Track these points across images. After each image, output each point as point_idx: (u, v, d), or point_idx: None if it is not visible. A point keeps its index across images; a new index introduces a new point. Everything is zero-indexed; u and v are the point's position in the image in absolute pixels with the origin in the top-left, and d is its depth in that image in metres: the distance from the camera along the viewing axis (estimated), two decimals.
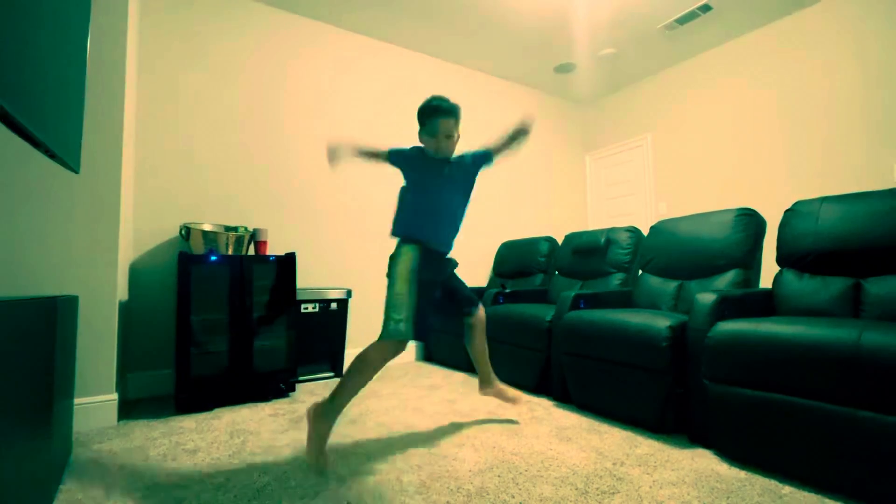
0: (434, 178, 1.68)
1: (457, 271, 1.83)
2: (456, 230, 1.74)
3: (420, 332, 1.56)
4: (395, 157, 1.76)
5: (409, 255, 1.60)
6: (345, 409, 2.15)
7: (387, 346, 1.53)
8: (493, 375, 1.98)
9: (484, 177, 4.17)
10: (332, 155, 1.71)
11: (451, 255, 1.79)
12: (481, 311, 1.90)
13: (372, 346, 1.54)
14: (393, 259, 1.64)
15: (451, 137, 1.66)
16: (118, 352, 2.01)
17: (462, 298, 1.84)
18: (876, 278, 1.66)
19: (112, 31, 2.03)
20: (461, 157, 1.76)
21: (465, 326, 1.90)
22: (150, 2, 2.67)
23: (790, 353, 1.33)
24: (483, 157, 1.79)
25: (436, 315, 1.73)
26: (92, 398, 1.90)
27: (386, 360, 1.55)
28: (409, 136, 3.61)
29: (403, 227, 1.67)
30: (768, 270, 2.34)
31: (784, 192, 3.23)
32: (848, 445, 1.21)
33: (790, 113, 3.24)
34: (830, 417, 1.24)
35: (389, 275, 1.61)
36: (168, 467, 1.51)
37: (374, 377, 1.60)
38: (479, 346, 1.92)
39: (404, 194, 1.73)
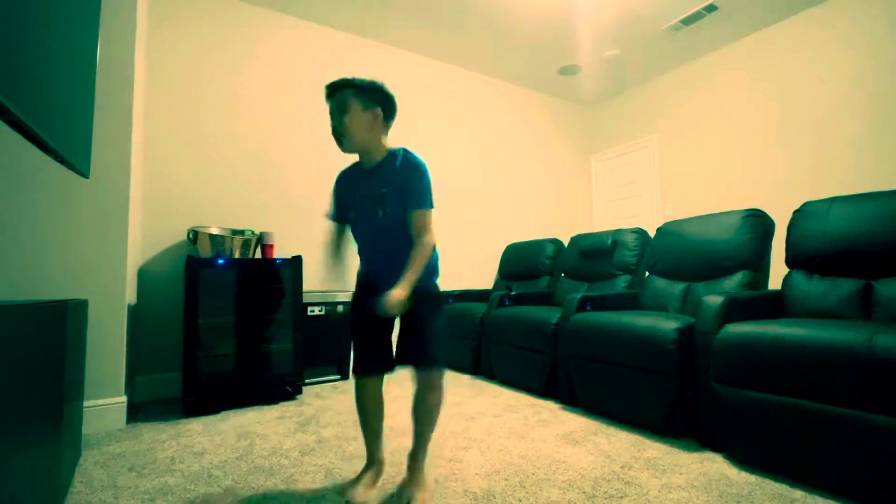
0: (360, 199, 1.33)
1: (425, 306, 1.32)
2: (392, 265, 1.26)
3: (362, 367, 1.37)
4: (332, 211, 1.43)
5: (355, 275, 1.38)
6: (349, 415, 2.15)
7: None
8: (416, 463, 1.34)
9: (488, 178, 4.17)
10: (331, 274, 1.42)
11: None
12: (430, 378, 1.30)
13: None
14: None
15: (345, 113, 1.26)
16: (127, 355, 2.03)
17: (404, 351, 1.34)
18: (887, 279, 1.64)
19: (121, 38, 2.06)
20: (393, 162, 1.29)
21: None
22: (157, 9, 2.70)
23: (800, 356, 1.31)
24: (411, 198, 1.27)
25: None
26: (101, 401, 1.92)
27: (355, 393, 1.40)
28: (411, 140, 3.63)
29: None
30: (777, 272, 2.31)
31: (792, 193, 3.20)
32: (860, 449, 1.19)
33: (797, 113, 3.22)
34: (842, 421, 1.23)
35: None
36: (176, 469, 1.51)
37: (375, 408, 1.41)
38: (417, 416, 1.33)
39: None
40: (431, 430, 1.33)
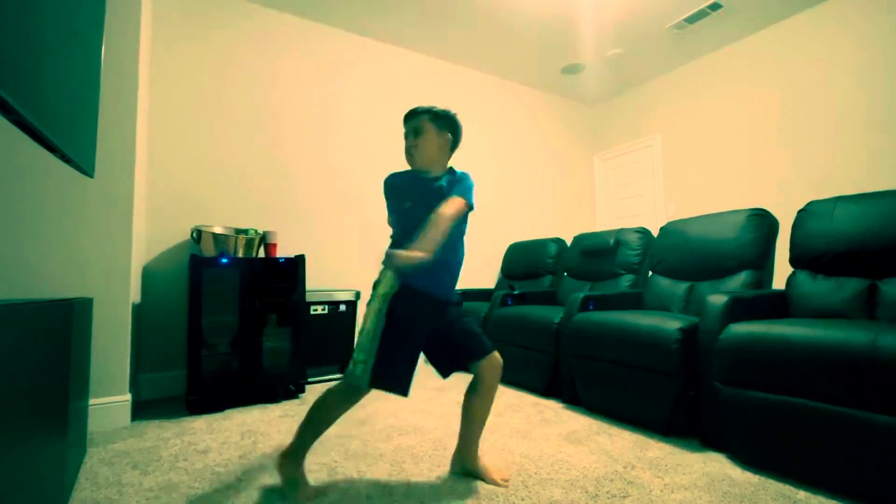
0: (423, 201, 1.34)
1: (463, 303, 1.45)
2: (452, 273, 1.39)
3: (383, 382, 1.25)
4: (388, 191, 1.42)
5: (388, 283, 1.31)
6: (352, 412, 2.16)
7: (342, 389, 1.31)
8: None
9: (491, 177, 4.16)
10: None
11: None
12: (496, 359, 1.40)
13: (330, 388, 1.34)
14: (374, 286, 1.35)
15: (420, 135, 1.39)
16: (131, 353, 2.04)
17: (469, 346, 1.39)
18: (892, 279, 1.63)
19: (125, 38, 2.07)
20: (446, 179, 1.39)
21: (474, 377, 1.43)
22: (162, 9, 2.71)
23: (804, 356, 1.31)
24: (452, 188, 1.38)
25: (437, 366, 1.43)
26: (106, 399, 1.93)
27: (340, 406, 1.34)
28: None
29: (423, 279, 1.34)
30: (781, 272, 2.30)
31: (796, 193, 3.18)
32: (864, 450, 1.19)
33: (802, 111, 3.20)
34: (846, 421, 1.22)
35: (368, 304, 1.35)
36: (180, 467, 1.52)
37: (336, 419, 1.36)
38: (480, 408, 1.41)
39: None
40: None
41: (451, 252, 1.37)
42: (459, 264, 1.43)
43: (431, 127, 1.41)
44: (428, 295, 1.34)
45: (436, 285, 1.36)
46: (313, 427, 1.36)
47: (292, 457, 1.34)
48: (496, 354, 1.41)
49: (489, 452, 1.61)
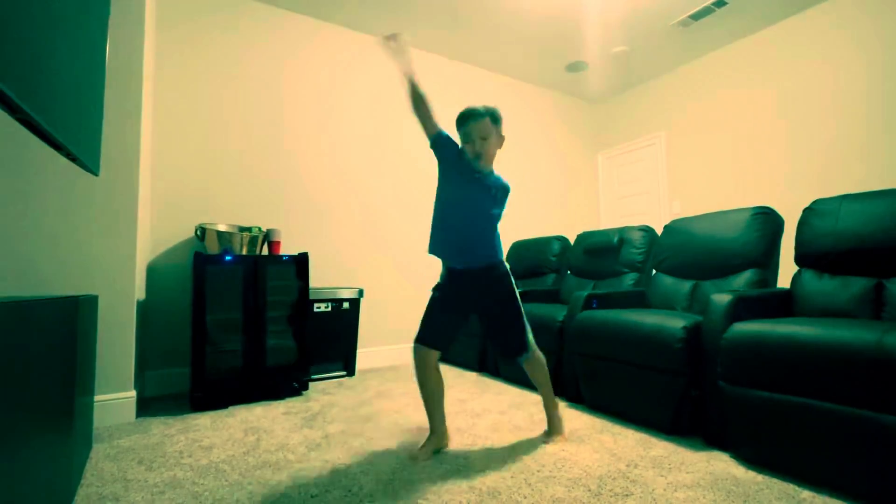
0: (466, 183, 1.61)
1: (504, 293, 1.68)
2: (478, 243, 1.63)
3: (426, 338, 1.59)
4: (443, 140, 1.62)
5: (440, 276, 1.70)
6: (357, 409, 2.17)
7: (413, 357, 1.63)
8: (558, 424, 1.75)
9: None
10: (396, 48, 1.57)
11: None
12: (535, 356, 1.70)
13: None
14: None
15: (487, 139, 1.57)
16: (136, 350, 2.05)
17: (501, 344, 1.74)
18: None
19: (129, 37, 2.07)
20: (498, 178, 1.68)
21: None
22: (165, 8, 2.72)
23: (809, 355, 1.30)
24: (504, 192, 1.71)
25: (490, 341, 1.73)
26: (111, 395, 1.94)
27: (420, 371, 1.61)
28: (417, 136, 3.62)
29: (432, 244, 1.66)
30: (786, 270, 2.29)
31: (801, 191, 3.16)
32: (869, 450, 1.18)
33: (808, 109, 3.17)
34: (851, 421, 1.21)
35: None
36: (185, 463, 1.53)
37: (431, 379, 1.62)
38: (538, 384, 1.75)
39: (436, 202, 1.68)
40: (550, 386, 1.74)
41: (447, 226, 1.63)
42: (460, 234, 1.61)
43: (493, 129, 1.57)
44: (446, 266, 1.66)
45: (445, 256, 1.65)
46: (424, 401, 1.62)
47: (431, 429, 1.62)
48: (536, 354, 1.69)
49: (492, 450, 1.62)
